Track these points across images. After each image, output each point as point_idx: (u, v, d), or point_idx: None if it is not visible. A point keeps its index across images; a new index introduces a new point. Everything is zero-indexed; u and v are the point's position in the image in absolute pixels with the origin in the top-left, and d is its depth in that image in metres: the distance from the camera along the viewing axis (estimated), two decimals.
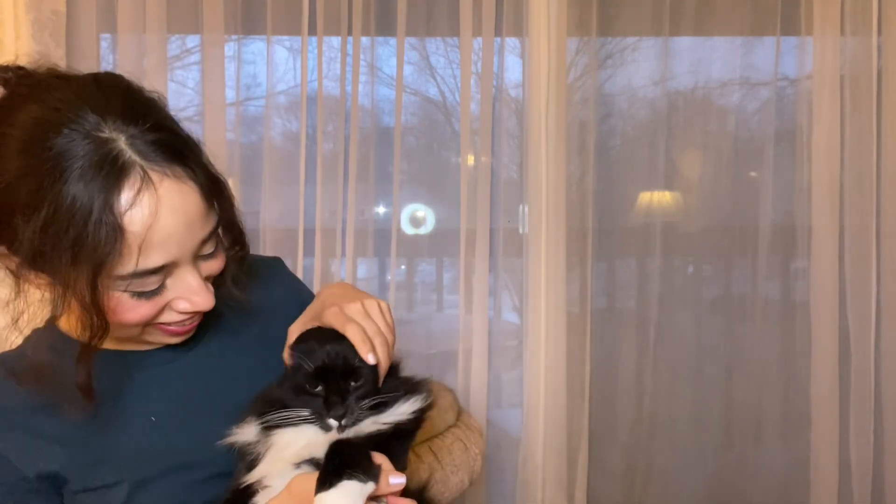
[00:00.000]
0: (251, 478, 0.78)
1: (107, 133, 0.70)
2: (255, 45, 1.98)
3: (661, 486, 2.05)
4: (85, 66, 0.82)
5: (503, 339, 2.03)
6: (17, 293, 0.76)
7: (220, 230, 0.81)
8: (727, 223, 2.04)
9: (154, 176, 0.71)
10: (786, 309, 2.04)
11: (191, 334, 0.86)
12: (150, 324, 0.81)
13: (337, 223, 1.93)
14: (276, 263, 1.08)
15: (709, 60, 2.04)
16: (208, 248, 0.80)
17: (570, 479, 1.98)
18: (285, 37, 1.98)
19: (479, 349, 1.95)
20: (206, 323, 0.90)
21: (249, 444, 0.80)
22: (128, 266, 0.72)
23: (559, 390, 1.95)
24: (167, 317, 0.81)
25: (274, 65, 1.94)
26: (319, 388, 0.78)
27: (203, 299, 0.79)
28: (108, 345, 0.85)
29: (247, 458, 0.80)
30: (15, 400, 0.80)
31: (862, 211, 1.95)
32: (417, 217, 2.03)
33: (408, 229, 2.01)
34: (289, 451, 0.77)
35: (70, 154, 0.68)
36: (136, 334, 0.82)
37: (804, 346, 2.00)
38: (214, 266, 0.82)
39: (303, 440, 0.78)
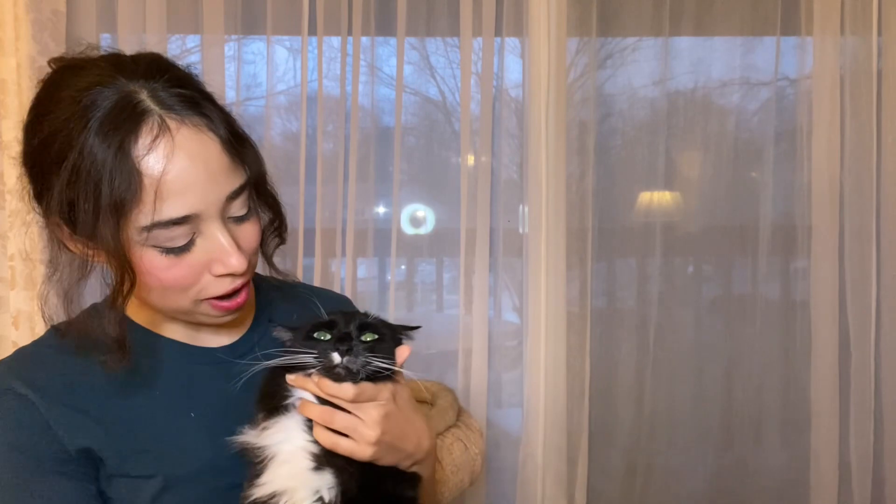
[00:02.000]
0: (259, 491, 0.77)
1: (131, 88, 0.74)
2: (255, 45, 1.98)
3: (661, 485, 2.06)
4: None
5: (503, 339, 2.03)
6: (57, 262, 0.79)
7: (254, 196, 0.82)
8: (727, 223, 2.04)
9: (171, 123, 0.74)
10: (786, 309, 2.04)
11: (240, 306, 0.85)
12: (197, 298, 0.81)
13: (337, 223, 1.93)
14: (346, 301, 1.09)
15: (709, 60, 2.04)
16: (238, 209, 0.80)
17: (570, 479, 1.98)
18: (285, 37, 1.98)
19: (479, 349, 1.95)
20: (264, 329, 0.92)
21: (255, 447, 0.79)
22: (148, 213, 0.73)
23: (559, 390, 1.95)
24: (209, 285, 0.80)
25: (274, 65, 1.94)
26: (329, 337, 0.78)
27: (237, 260, 0.79)
28: (170, 333, 0.88)
29: (254, 466, 0.79)
30: (66, 376, 0.82)
31: (862, 211, 1.95)
32: (417, 217, 2.03)
33: (408, 229, 2.01)
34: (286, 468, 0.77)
35: (95, 105, 0.72)
36: (188, 306, 0.82)
37: (804, 346, 2.00)
38: (249, 232, 0.82)
39: (296, 439, 0.78)
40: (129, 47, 1.97)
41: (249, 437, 0.80)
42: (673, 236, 2.04)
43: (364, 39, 1.93)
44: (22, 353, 0.86)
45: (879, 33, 1.94)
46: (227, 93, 1.91)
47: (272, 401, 0.80)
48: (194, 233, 0.77)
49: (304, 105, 1.91)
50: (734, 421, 2.05)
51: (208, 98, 0.79)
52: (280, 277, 0.95)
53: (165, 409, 0.85)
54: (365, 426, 0.77)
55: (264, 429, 0.79)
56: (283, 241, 0.91)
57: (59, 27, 1.83)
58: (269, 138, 1.93)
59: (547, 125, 1.92)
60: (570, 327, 1.96)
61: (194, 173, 0.74)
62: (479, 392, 1.95)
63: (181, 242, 0.76)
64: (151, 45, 1.87)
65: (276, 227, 0.89)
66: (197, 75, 0.81)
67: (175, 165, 0.73)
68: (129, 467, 0.81)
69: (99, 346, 0.79)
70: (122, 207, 0.72)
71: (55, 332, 0.84)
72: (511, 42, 1.99)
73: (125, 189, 0.71)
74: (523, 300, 1.98)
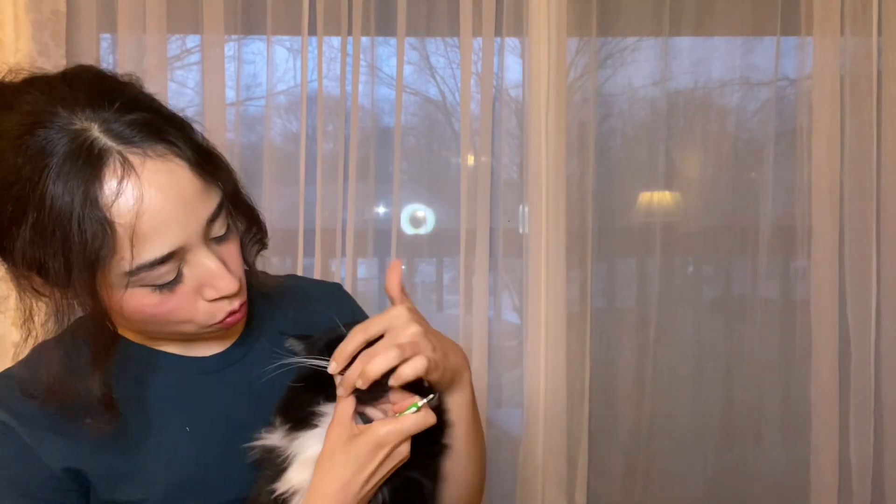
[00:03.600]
0: (282, 485, 0.77)
1: (79, 124, 0.67)
2: (255, 45, 1.98)
3: (661, 485, 2.05)
4: None
5: (503, 339, 2.03)
6: (29, 315, 0.74)
7: (229, 209, 0.77)
8: (727, 223, 2.04)
9: (134, 159, 0.67)
10: (786, 309, 2.04)
11: (241, 316, 0.82)
12: (203, 325, 0.78)
13: (337, 223, 1.93)
14: (334, 288, 1.06)
15: (709, 60, 2.03)
16: (219, 229, 0.75)
17: (570, 479, 1.98)
18: (285, 37, 1.98)
19: (479, 349, 1.95)
20: (261, 330, 0.90)
21: (276, 449, 0.79)
22: (127, 260, 0.68)
23: (559, 390, 1.95)
24: (209, 314, 0.77)
25: (274, 65, 1.94)
26: None
27: (226, 283, 0.75)
28: (165, 347, 0.85)
29: (274, 465, 0.78)
30: (39, 411, 0.77)
31: (862, 211, 1.95)
32: (417, 217, 2.03)
33: (408, 229, 2.01)
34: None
35: (45, 153, 0.65)
36: (193, 331, 0.79)
37: (804, 346, 1.99)
38: (234, 250, 0.79)
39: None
40: (129, 47, 1.96)
41: (275, 440, 0.79)
42: (673, 236, 2.04)
43: (364, 39, 1.93)
44: (2, 378, 0.82)
45: (879, 33, 1.94)
46: (228, 93, 1.91)
47: (299, 413, 0.79)
48: (181, 264, 0.73)
49: (304, 105, 1.91)
50: (734, 421, 2.04)
51: (162, 114, 0.73)
52: (269, 282, 0.90)
53: (160, 426, 0.82)
54: (421, 340, 0.76)
55: (294, 438, 0.78)
56: (264, 246, 0.86)
57: (59, 27, 1.83)
58: (269, 138, 1.93)
59: (547, 125, 1.92)
60: (570, 327, 1.96)
61: (170, 208, 0.69)
62: (479, 392, 1.95)
63: (170, 278, 0.72)
64: (151, 45, 1.87)
65: (254, 234, 0.85)
66: (141, 82, 0.75)
67: (148, 205, 0.67)
68: (118, 493, 0.79)
69: (82, 406, 0.73)
70: (96, 261, 0.66)
71: (27, 396, 0.77)
72: (511, 42, 1.99)
73: (99, 242, 0.66)
74: (523, 300, 1.98)
